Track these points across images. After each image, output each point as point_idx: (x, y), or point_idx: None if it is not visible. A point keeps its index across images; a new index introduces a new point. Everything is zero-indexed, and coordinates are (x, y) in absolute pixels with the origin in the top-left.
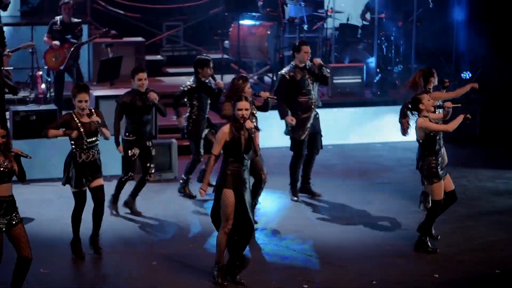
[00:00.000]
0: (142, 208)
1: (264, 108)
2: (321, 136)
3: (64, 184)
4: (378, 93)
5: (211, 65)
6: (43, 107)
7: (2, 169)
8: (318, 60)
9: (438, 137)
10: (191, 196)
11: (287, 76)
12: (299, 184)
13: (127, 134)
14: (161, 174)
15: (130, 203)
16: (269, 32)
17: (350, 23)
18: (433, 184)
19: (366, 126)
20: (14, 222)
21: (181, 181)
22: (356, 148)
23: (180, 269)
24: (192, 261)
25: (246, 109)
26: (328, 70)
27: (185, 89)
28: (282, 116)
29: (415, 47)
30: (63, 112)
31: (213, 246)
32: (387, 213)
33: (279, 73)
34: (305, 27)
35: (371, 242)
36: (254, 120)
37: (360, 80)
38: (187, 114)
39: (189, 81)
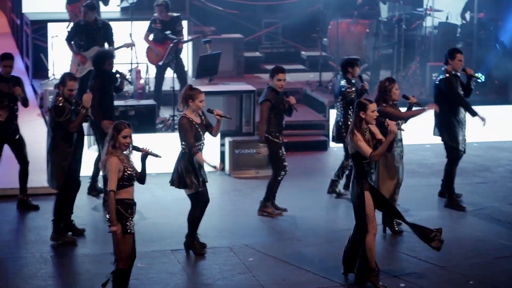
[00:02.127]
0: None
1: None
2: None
3: (183, 188)
4: (477, 92)
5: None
6: (142, 102)
7: (129, 172)
8: (470, 70)
9: None
10: None
11: (450, 78)
12: None
13: (273, 134)
14: (259, 171)
15: (266, 207)
16: (367, 30)
17: (450, 22)
18: None
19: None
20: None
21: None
22: None
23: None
24: (290, 257)
25: (373, 111)
26: (474, 84)
27: (349, 90)
28: (473, 114)
29: None
30: (162, 108)
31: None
32: (485, 212)
33: (442, 77)
34: (404, 25)
35: (468, 242)
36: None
37: None
38: (341, 116)
39: (343, 81)
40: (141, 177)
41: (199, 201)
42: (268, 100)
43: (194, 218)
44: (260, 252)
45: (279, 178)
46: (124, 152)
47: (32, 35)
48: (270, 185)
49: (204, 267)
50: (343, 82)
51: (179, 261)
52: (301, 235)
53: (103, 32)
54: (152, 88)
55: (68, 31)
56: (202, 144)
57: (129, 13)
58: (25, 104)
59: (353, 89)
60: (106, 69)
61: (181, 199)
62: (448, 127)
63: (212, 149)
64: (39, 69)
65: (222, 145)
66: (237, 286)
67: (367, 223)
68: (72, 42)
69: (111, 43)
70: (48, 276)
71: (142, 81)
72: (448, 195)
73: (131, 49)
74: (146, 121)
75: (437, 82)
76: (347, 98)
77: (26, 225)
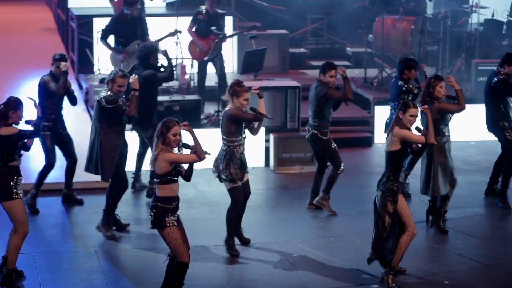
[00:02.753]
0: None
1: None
2: None
3: (226, 181)
4: None
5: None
6: (187, 97)
7: (178, 168)
8: None
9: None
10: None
11: (506, 78)
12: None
13: (326, 129)
14: (303, 167)
15: (324, 199)
16: (413, 27)
17: (496, 18)
18: None
19: None
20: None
21: None
22: (498, 144)
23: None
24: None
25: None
26: None
27: (408, 88)
28: None
29: None
30: (206, 103)
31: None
32: None
33: (497, 78)
34: (449, 22)
35: None
36: None
37: None
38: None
39: (400, 82)
40: (187, 174)
41: (238, 196)
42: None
43: (231, 213)
44: (304, 248)
45: (339, 172)
46: (174, 148)
47: (78, 30)
48: (331, 178)
49: (248, 262)
50: (401, 83)
51: (222, 256)
52: (344, 233)
53: (141, 25)
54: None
55: (103, 29)
56: (242, 139)
57: (174, 9)
58: (74, 102)
59: (411, 86)
60: (152, 64)
61: (226, 195)
62: (504, 126)
63: (256, 145)
64: (84, 64)
65: (267, 141)
66: (280, 282)
67: (406, 224)
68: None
69: (147, 36)
70: (92, 270)
71: (187, 77)
72: (502, 190)
73: (176, 37)
74: (191, 116)
75: (493, 85)
76: (407, 98)
77: (70, 219)
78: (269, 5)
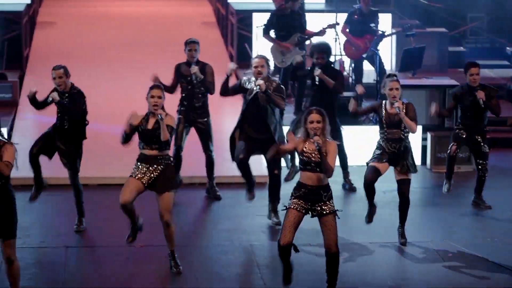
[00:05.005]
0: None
1: None
2: None
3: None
4: None
5: None
6: (345, 94)
7: (306, 156)
8: None
9: None
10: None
11: None
12: None
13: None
14: (460, 167)
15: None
16: None
17: None
18: None
19: None
20: (325, 212)
21: None
22: None
23: None
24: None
25: None
26: None
27: None
28: None
29: None
30: (366, 101)
31: None
32: None
33: None
34: None
35: None
36: None
37: None
38: None
39: None
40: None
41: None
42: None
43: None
44: (459, 248)
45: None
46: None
47: (237, 24)
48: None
49: (402, 260)
50: None
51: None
52: (503, 234)
53: (300, 18)
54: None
55: (264, 24)
56: (386, 133)
57: (333, 5)
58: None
59: None
60: (319, 63)
61: (389, 191)
62: None
63: (414, 144)
64: (243, 59)
65: (424, 139)
66: (434, 281)
67: None
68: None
69: (305, 30)
70: (247, 265)
71: (345, 73)
72: None
73: (335, 33)
74: (350, 113)
75: None
76: None
77: (223, 214)
78: (429, 2)
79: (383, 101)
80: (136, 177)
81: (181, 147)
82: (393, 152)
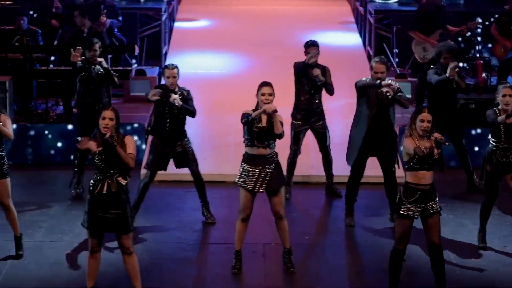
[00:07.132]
0: None
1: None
2: None
3: None
4: None
5: None
6: (483, 96)
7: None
8: None
9: None
10: None
11: None
12: None
13: None
14: None
15: None
16: None
17: None
18: None
19: None
20: (431, 212)
21: None
22: None
23: None
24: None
25: None
26: None
27: None
28: None
29: None
30: None
31: None
32: None
33: None
34: None
35: None
36: None
37: None
38: None
39: None
40: (440, 165)
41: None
42: None
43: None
44: None
45: None
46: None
47: (376, 24)
48: None
49: (477, 265)
50: None
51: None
52: None
53: (444, 14)
54: (494, 83)
55: (412, 22)
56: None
57: (473, 6)
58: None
59: None
60: (442, 63)
61: None
62: None
63: None
64: None
65: None
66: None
67: None
68: None
69: (447, 26)
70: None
71: (483, 75)
72: None
73: (475, 29)
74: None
75: None
76: None
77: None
78: None
79: (495, 109)
80: (249, 188)
81: (298, 151)
82: (509, 161)
